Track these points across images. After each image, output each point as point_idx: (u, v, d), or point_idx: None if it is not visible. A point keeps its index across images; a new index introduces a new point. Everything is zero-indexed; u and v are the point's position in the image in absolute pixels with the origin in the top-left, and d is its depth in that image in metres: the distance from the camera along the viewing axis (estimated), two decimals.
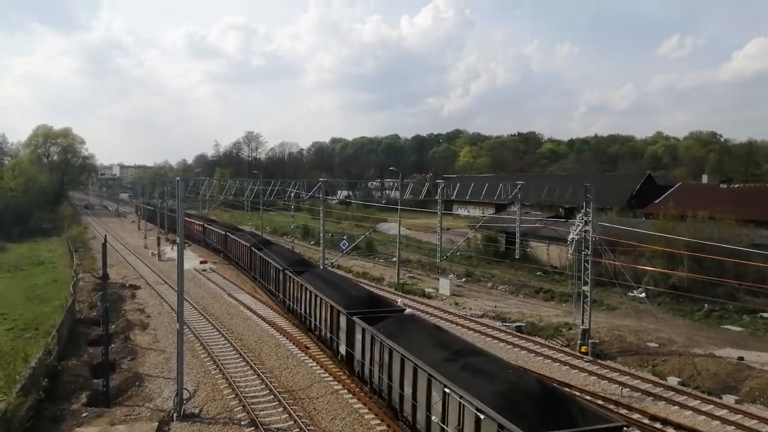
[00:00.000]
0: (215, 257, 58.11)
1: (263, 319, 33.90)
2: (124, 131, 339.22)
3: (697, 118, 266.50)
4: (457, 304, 38.83)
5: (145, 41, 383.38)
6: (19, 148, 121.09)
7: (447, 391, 14.55)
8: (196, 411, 20.52)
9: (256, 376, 24.05)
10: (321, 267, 39.35)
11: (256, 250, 42.45)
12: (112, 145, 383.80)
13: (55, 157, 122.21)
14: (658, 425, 19.81)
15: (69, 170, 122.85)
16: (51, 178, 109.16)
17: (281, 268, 34.16)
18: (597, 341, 28.24)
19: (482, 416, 12.83)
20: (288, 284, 32.59)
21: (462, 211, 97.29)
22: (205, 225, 66.84)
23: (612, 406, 21.19)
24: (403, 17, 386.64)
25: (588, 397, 21.72)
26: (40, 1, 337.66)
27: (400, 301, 35.96)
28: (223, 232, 56.26)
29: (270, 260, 37.38)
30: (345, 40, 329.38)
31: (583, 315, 27.69)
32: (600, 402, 21.47)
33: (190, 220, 70.72)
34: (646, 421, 20.09)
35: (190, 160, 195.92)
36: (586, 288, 27.83)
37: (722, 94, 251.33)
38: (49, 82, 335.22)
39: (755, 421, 20.16)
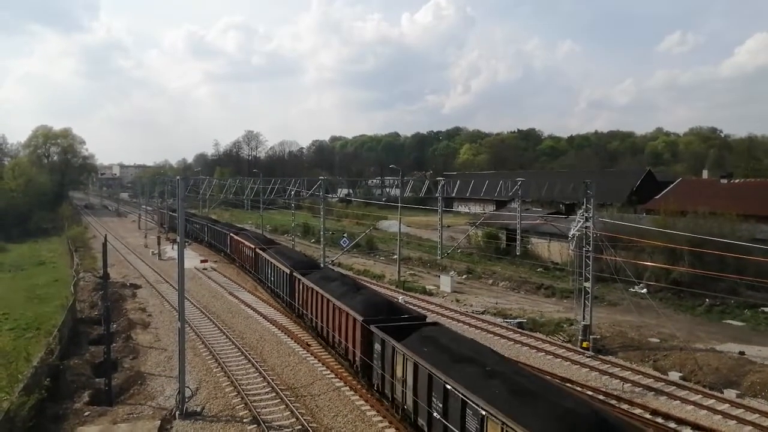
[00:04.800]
0: (216, 256, 58.08)
1: (264, 317, 33.90)
2: (124, 131, 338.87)
3: (697, 114, 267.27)
4: (458, 300, 38.84)
5: (145, 42, 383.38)
6: (19, 148, 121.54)
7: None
8: (199, 409, 20.54)
9: (258, 373, 24.07)
10: (322, 266, 39.25)
11: (383, 335, 19.64)
12: (111, 145, 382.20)
13: (55, 158, 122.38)
14: (659, 420, 19.81)
15: (69, 170, 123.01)
16: (51, 178, 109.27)
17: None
18: (598, 337, 28.25)
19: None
20: None
21: (462, 209, 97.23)
22: (258, 250, 42.24)
23: (614, 401, 21.23)
24: (404, 15, 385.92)
25: (590, 392, 21.76)
26: (40, 2, 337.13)
27: (400, 298, 36.16)
28: (289, 271, 32.88)
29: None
30: (345, 38, 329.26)
31: (584, 311, 27.69)
32: (602, 397, 21.52)
33: (238, 238, 50.28)
34: (647, 416, 20.10)
35: (190, 160, 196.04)
36: (587, 284, 27.82)
37: (723, 90, 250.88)
38: (49, 84, 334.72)
39: (757, 415, 20.17)
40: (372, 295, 25.50)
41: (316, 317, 27.50)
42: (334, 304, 24.46)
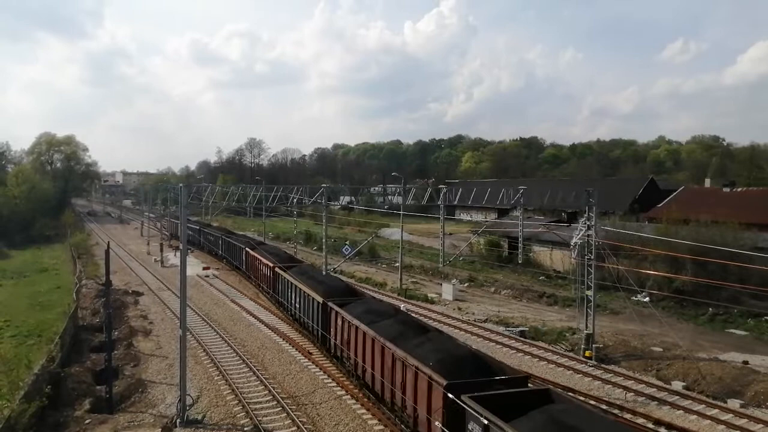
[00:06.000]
0: (218, 263, 58.11)
1: (266, 324, 33.87)
2: (127, 138, 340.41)
3: (700, 122, 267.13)
4: (460, 309, 38.75)
5: (148, 49, 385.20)
6: (23, 155, 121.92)
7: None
8: (200, 417, 20.50)
9: (259, 381, 24.02)
10: (326, 274, 39.14)
11: (487, 414, 15.45)
12: (115, 152, 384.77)
13: (59, 165, 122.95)
14: (662, 430, 19.72)
15: (72, 177, 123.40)
16: (54, 185, 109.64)
17: None
18: (601, 346, 28.15)
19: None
20: None
21: (464, 216, 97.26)
22: (277, 269, 36.81)
23: (616, 411, 21.12)
24: (407, 23, 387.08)
25: (593, 402, 21.66)
26: (45, 9, 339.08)
27: (403, 306, 36.10)
28: (321, 300, 27.24)
29: None
30: (348, 46, 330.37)
31: (586, 319, 27.60)
32: (604, 406, 21.43)
33: (254, 254, 44.23)
34: (650, 425, 19.99)
35: (192, 167, 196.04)
36: (589, 292, 27.75)
37: (726, 98, 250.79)
38: (53, 91, 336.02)
39: (761, 425, 20.04)
40: (447, 341, 19.56)
41: (364, 362, 21.53)
42: (394, 354, 18.77)
